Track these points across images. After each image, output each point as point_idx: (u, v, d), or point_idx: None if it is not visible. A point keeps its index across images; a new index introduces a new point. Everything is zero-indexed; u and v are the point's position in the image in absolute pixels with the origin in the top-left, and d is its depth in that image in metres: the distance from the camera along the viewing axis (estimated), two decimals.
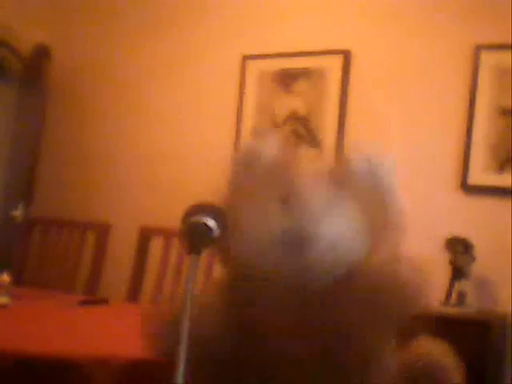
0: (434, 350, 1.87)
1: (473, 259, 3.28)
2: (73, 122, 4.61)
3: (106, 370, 1.83)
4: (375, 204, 1.74)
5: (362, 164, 1.74)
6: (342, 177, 1.74)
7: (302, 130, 3.89)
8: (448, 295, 3.30)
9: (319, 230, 1.59)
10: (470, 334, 3.14)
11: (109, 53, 4.54)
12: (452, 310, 3.22)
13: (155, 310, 1.86)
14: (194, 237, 1.37)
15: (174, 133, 4.27)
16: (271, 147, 1.75)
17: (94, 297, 3.27)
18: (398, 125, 3.67)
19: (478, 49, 3.46)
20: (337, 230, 1.61)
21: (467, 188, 3.47)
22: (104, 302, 2.97)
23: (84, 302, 2.86)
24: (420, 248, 3.58)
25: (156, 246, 3.53)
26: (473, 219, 3.43)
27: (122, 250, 3.89)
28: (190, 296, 1.28)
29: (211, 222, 1.39)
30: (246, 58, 4.06)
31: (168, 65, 4.34)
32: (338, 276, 1.61)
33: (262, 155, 1.75)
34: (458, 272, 3.29)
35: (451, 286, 3.30)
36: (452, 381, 1.82)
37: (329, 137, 3.81)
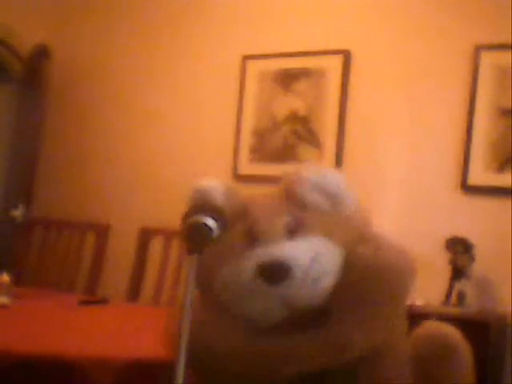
0: (442, 330, 1.86)
1: (473, 259, 3.28)
2: (73, 122, 4.61)
3: (106, 370, 1.83)
4: (336, 217, 1.73)
5: (312, 181, 1.73)
6: (296, 198, 1.72)
7: (302, 130, 3.89)
8: (448, 295, 3.30)
9: (293, 260, 1.59)
10: (469, 333, 3.14)
11: (109, 53, 4.53)
12: (452, 310, 3.22)
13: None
14: (194, 237, 1.37)
15: (173, 133, 4.27)
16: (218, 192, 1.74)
17: (93, 297, 3.27)
18: (398, 125, 3.67)
19: (478, 49, 3.46)
20: (308, 256, 1.61)
21: (467, 188, 3.47)
22: (104, 301, 2.97)
23: (84, 302, 2.86)
24: (420, 248, 3.59)
25: (156, 246, 3.53)
26: (473, 219, 3.42)
27: (121, 250, 3.89)
28: (190, 296, 1.28)
29: (211, 222, 1.39)
30: (245, 57, 4.05)
31: (168, 65, 4.34)
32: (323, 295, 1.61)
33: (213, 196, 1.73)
34: (458, 272, 3.29)
35: (451, 286, 3.30)
36: (462, 358, 1.82)
37: (329, 137, 3.81)
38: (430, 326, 1.90)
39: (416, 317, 1.86)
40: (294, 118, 3.91)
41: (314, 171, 1.76)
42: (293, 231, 1.67)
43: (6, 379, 1.81)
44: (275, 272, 1.59)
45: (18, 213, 3.89)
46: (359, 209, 1.79)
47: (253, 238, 1.67)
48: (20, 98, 4.50)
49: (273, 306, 1.61)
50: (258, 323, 1.64)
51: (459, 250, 3.28)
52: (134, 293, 3.46)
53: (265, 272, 1.59)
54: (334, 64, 3.82)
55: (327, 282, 1.61)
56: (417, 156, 3.60)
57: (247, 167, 4.01)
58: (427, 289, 3.26)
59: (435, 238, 3.31)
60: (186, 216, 1.41)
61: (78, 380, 1.81)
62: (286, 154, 3.90)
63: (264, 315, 1.63)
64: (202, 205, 1.49)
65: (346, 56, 3.79)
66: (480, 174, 3.44)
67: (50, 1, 4.64)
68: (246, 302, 1.62)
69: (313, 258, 1.61)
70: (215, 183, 1.75)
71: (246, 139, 4.03)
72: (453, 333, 1.86)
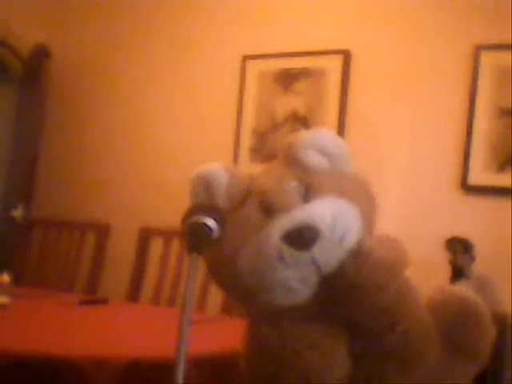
0: (463, 291, 1.87)
1: (473, 259, 3.28)
2: (73, 122, 4.61)
3: (106, 370, 1.83)
4: (340, 176, 1.72)
5: (309, 142, 1.73)
6: (297, 162, 1.72)
7: (302, 130, 3.88)
8: None
9: (319, 220, 1.56)
10: None
11: (108, 53, 4.54)
12: None
13: None
14: (194, 237, 1.37)
15: (173, 133, 4.27)
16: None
17: (93, 297, 3.27)
18: (398, 125, 3.67)
19: (478, 49, 3.46)
20: (330, 214, 1.59)
21: (467, 188, 3.47)
22: (104, 301, 2.97)
23: (84, 302, 2.86)
24: (420, 248, 3.59)
25: (156, 246, 3.52)
26: (473, 219, 3.42)
27: (121, 250, 3.88)
28: (190, 296, 1.28)
29: (211, 222, 1.38)
30: (246, 57, 4.06)
31: (168, 64, 4.34)
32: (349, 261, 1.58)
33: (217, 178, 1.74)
34: (458, 272, 3.29)
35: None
36: (485, 323, 1.85)
37: None
38: (446, 292, 1.87)
39: None
40: (294, 118, 3.91)
41: (310, 133, 1.76)
42: (304, 194, 1.64)
43: (6, 379, 1.81)
44: (305, 236, 1.54)
45: (17, 213, 3.89)
46: (357, 172, 1.79)
47: (267, 210, 1.64)
48: (20, 98, 4.50)
49: (307, 273, 1.55)
50: (285, 306, 1.58)
51: (459, 250, 3.27)
52: (134, 293, 3.45)
53: (294, 238, 1.54)
54: (334, 64, 3.82)
55: (351, 240, 1.58)
56: (417, 156, 3.60)
57: (247, 167, 4.00)
58: (427, 289, 3.26)
59: (435, 238, 3.31)
60: (186, 216, 1.41)
61: (78, 380, 1.81)
62: None
63: (298, 289, 1.56)
64: (201, 205, 1.49)
65: (346, 56, 3.79)
66: (480, 174, 3.44)
67: (49, 1, 4.64)
68: (277, 276, 1.54)
69: (335, 215, 1.57)
70: (216, 167, 1.74)
71: (246, 139, 4.03)
72: (471, 298, 1.84)
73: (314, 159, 1.70)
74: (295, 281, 1.56)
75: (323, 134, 1.76)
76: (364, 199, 1.72)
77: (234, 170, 1.77)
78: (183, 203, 1.54)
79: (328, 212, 1.58)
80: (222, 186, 1.68)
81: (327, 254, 1.55)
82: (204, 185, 1.71)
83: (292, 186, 1.66)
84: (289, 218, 1.58)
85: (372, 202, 1.77)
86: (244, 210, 1.59)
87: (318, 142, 1.72)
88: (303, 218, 1.57)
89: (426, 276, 3.43)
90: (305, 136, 1.76)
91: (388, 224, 3.61)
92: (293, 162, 1.71)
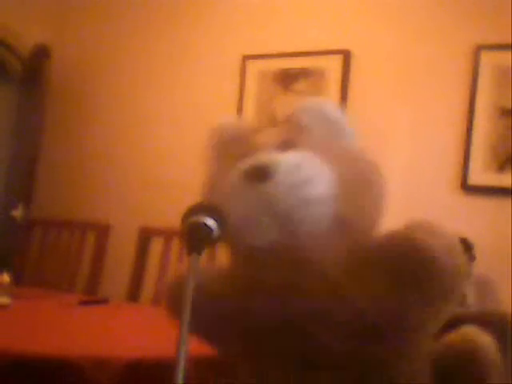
0: (472, 340, 1.76)
1: (473, 259, 3.28)
2: (73, 122, 4.61)
3: (106, 370, 1.83)
4: (334, 146, 1.73)
5: (309, 105, 1.76)
6: (293, 121, 1.75)
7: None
8: None
9: (277, 163, 1.58)
10: None
11: (108, 53, 4.54)
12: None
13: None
14: (194, 237, 1.37)
15: (173, 133, 4.27)
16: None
17: (94, 297, 3.27)
18: (398, 124, 3.67)
19: (478, 49, 3.46)
20: (293, 162, 1.59)
21: (467, 188, 3.47)
22: (104, 301, 2.97)
23: (84, 302, 2.86)
24: None
25: (156, 246, 3.53)
26: (473, 219, 3.43)
27: (122, 249, 3.89)
28: (190, 296, 1.28)
29: (211, 222, 1.38)
30: (246, 57, 4.06)
31: (168, 65, 4.34)
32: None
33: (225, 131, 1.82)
34: None
35: None
36: (488, 376, 1.70)
37: None
38: (461, 334, 1.79)
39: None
40: None
41: (314, 99, 1.82)
42: (284, 147, 1.66)
43: (6, 379, 1.81)
44: (257, 173, 1.57)
45: (18, 213, 3.88)
46: (365, 150, 1.79)
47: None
48: (20, 98, 4.50)
49: (256, 208, 1.56)
50: (251, 243, 1.59)
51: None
52: (134, 293, 3.46)
53: (248, 174, 1.58)
54: (334, 64, 3.82)
55: (313, 192, 1.57)
56: (416, 156, 3.60)
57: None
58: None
59: None
60: (186, 216, 1.41)
61: (78, 380, 1.81)
62: None
63: (250, 224, 1.57)
64: (202, 205, 1.48)
65: (346, 56, 3.79)
66: (480, 174, 3.44)
67: (49, 1, 4.64)
68: (232, 208, 1.57)
69: (297, 164, 1.59)
70: (229, 121, 1.88)
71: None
72: (484, 345, 1.75)
73: (312, 121, 1.72)
74: (245, 213, 1.57)
75: (327, 103, 1.79)
76: (354, 172, 1.70)
77: (245, 125, 1.88)
78: (183, 203, 1.54)
79: (292, 159, 1.60)
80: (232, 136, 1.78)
81: (278, 196, 1.55)
82: (219, 135, 1.81)
83: (277, 139, 1.69)
84: (253, 159, 1.62)
85: (369, 179, 1.75)
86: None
87: (320, 107, 1.75)
88: (264, 159, 1.60)
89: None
90: (309, 100, 1.79)
91: (388, 223, 3.61)
92: (289, 120, 1.76)
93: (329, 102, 1.83)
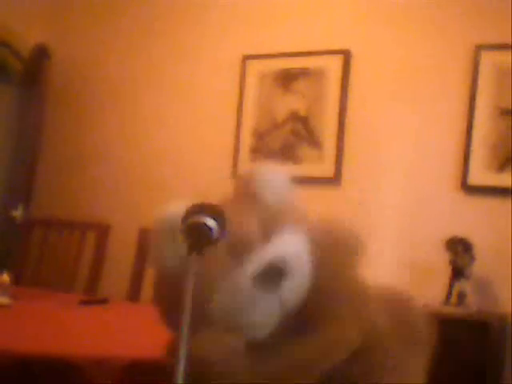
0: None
1: (473, 259, 3.28)
2: (72, 122, 4.61)
3: (106, 370, 1.83)
4: (288, 210, 1.76)
5: (267, 180, 1.78)
6: (255, 199, 1.76)
7: (302, 130, 3.89)
8: (448, 295, 3.30)
9: (285, 260, 1.61)
10: (469, 334, 3.14)
11: (108, 53, 4.54)
12: (452, 310, 3.22)
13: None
14: (194, 237, 1.37)
15: (173, 133, 4.27)
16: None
17: (94, 297, 3.27)
18: (398, 124, 3.67)
19: (478, 49, 3.46)
20: (292, 252, 1.63)
21: (467, 188, 3.47)
22: (104, 301, 2.97)
23: (84, 302, 2.86)
24: (420, 248, 3.59)
25: None
26: (473, 219, 3.43)
27: (122, 250, 3.88)
28: (190, 296, 1.28)
29: (211, 222, 1.38)
30: (246, 57, 4.06)
31: (168, 65, 4.34)
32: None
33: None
34: (458, 272, 3.29)
35: (451, 286, 3.30)
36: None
37: (329, 137, 3.81)
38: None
39: None
40: (294, 117, 3.91)
41: (262, 170, 1.81)
42: (263, 232, 1.68)
43: (6, 379, 1.81)
44: (275, 276, 1.58)
45: (17, 213, 3.89)
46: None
47: (232, 250, 1.68)
48: (20, 98, 4.50)
49: (274, 310, 1.60)
50: (255, 335, 1.63)
51: (459, 249, 3.28)
52: (134, 293, 3.45)
53: (264, 279, 1.58)
54: (334, 64, 3.82)
55: (307, 273, 1.62)
56: (417, 156, 3.60)
57: (247, 167, 4.00)
58: (427, 289, 3.26)
59: (435, 238, 3.32)
60: (186, 216, 1.41)
61: (78, 380, 1.81)
62: (285, 154, 3.90)
63: (265, 324, 1.62)
64: (202, 205, 1.48)
65: (346, 56, 3.79)
66: (480, 174, 3.44)
67: (50, 1, 4.64)
68: (247, 314, 1.61)
69: (296, 252, 1.62)
70: (178, 209, 1.71)
71: (246, 139, 4.03)
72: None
73: (272, 197, 1.76)
74: (263, 317, 1.61)
75: (274, 172, 1.82)
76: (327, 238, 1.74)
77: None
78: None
79: (291, 249, 1.63)
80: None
81: (293, 290, 1.61)
82: (168, 228, 1.74)
83: (254, 225, 1.71)
84: (256, 261, 1.62)
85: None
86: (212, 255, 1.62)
87: (271, 180, 1.78)
88: (270, 257, 1.61)
89: (427, 276, 3.44)
90: (259, 173, 1.81)
91: (388, 224, 3.61)
92: (250, 199, 1.76)
93: (277, 169, 1.85)
